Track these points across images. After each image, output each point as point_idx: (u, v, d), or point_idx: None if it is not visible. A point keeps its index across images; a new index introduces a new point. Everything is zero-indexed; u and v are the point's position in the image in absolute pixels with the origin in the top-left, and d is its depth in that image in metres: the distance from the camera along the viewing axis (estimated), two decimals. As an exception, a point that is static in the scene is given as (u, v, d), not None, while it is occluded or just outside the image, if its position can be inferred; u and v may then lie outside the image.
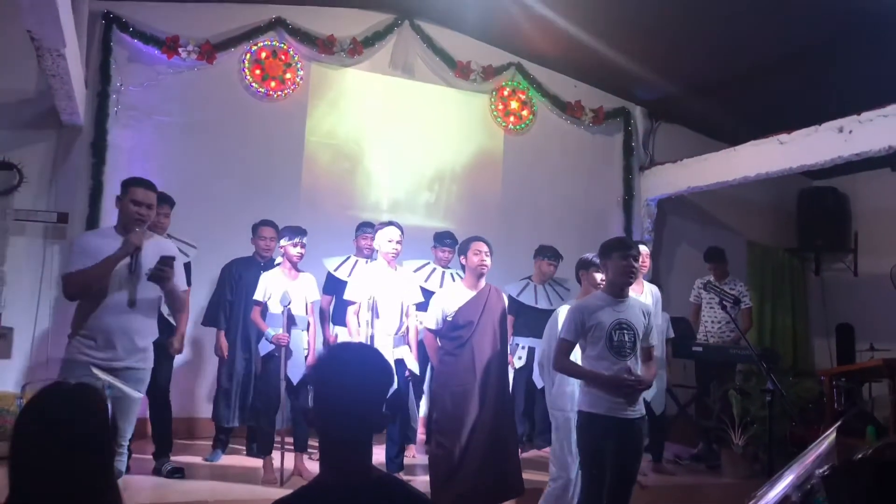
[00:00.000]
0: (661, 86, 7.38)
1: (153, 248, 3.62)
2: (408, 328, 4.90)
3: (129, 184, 3.63)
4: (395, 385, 4.70)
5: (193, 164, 6.24)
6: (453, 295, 4.55)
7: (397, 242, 4.86)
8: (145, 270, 3.51)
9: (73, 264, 3.45)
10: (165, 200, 4.82)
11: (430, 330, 4.59)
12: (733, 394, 5.89)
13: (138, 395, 3.22)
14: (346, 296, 4.83)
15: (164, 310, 4.74)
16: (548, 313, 5.05)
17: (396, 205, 6.97)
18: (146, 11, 6.18)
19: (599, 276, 4.23)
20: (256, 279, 5.09)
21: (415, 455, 5.65)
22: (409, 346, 4.91)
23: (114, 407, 3.27)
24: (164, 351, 4.76)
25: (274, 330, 4.78)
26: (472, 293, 4.51)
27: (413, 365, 4.86)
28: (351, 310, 4.82)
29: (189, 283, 4.93)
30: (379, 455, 4.90)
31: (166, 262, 3.49)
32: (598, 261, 4.21)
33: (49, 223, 5.62)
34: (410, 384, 5.15)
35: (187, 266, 4.90)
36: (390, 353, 4.74)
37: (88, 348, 3.43)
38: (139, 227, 3.55)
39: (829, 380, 6.09)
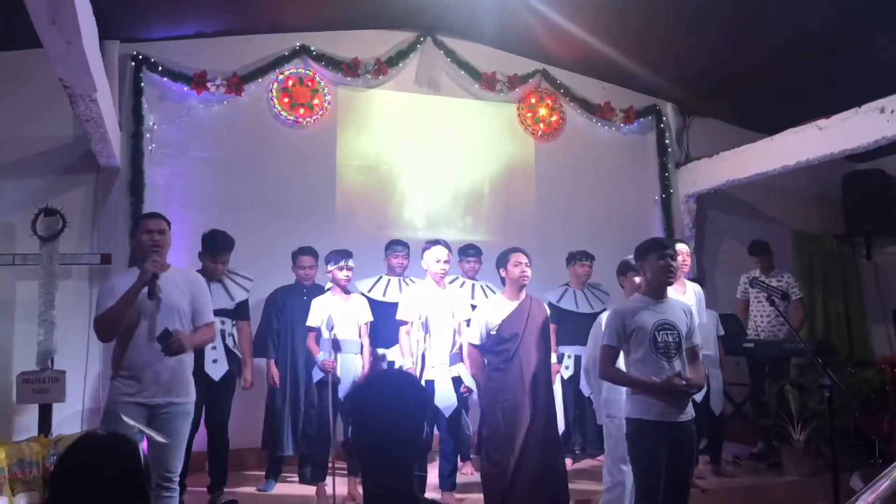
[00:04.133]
0: (690, 80, 7.27)
1: (179, 279, 3.63)
2: (461, 345, 4.86)
3: (140, 218, 3.75)
4: (455, 403, 4.71)
5: (229, 196, 6.32)
6: (496, 308, 4.51)
7: (445, 262, 4.84)
8: (167, 302, 3.50)
9: (101, 306, 3.47)
10: (224, 249, 4.96)
11: (473, 345, 4.55)
12: (790, 389, 5.73)
13: (163, 440, 3.21)
14: (399, 316, 4.84)
15: (230, 342, 4.87)
16: (591, 318, 4.98)
17: (432, 221, 6.96)
18: (173, 49, 6.30)
19: (638, 279, 4.16)
20: (301, 306, 5.14)
21: (472, 472, 5.59)
22: (465, 363, 4.84)
23: (158, 448, 3.31)
24: (226, 385, 4.84)
25: (324, 355, 4.82)
26: (515, 304, 4.47)
27: (469, 381, 4.80)
28: (403, 329, 4.82)
29: (248, 317, 5.12)
30: (433, 473, 4.89)
31: (166, 336, 3.40)
32: (634, 263, 4.16)
33: (93, 265, 5.74)
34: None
35: (245, 300, 5.08)
36: (447, 371, 4.73)
37: (129, 388, 3.43)
38: (155, 254, 3.53)
39: (890, 367, 5.88)
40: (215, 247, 4.94)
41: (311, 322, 4.97)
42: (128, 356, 3.46)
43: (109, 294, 3.46)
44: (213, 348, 4.70)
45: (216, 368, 4.75)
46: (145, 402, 3.42)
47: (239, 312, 5.03)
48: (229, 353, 4.87)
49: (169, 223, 3.68)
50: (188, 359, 3.63)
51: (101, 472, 1.66)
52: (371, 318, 5.11)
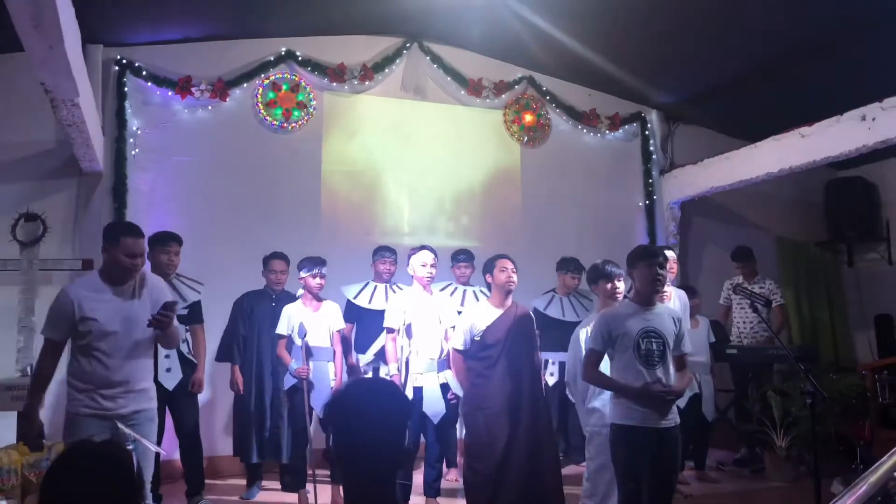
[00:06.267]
0: (675, 88, 7.31)
1: (153, 291, 3.53)
2: (449, 352, 4.84)
3: (120, 233, 3.43)
4: (444, 410, 4.70)
5: (213, 202, 6.29)
6: (481, 314, 4.50)
7: (431, 266, 4.84)
8: (135, 318, 3.40)
9: (50, 332, 3.41)
10: (174, 239, 4.85)
11: (457, 351, 4.53)
12: (772, 395, 5.76)
13: (161, 450, 3.18)
14: (385, 323, 4.83)
15: (184, 348, 4.81)
16: (575, 326, 4.98)
17: (417, 227, 6.94)
18: (157, 54, 6.26)
19: (609, 286, 4.18)
20: (269, 312, 5.09)
21: (457, 479, 5.57)
22: (452, 369, 4.82)
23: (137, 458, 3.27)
24: (187, 390, 4.79)
25: (296, 363, 4.77)
26: (500, 311, 4.47)
27: (457, 388, 4.76)
28: (389, 337, 4.80)
29: (201, 320, 5.02)
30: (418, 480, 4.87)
31: (170, 307, 3.38)
32: (606, 269, 4.18)
33: (75, 271, 5.67)
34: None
35: (198, 304, 4.97)
36: (435, 378, 4.71)
37: (92, 399, 3.33)
38: (132, 277, 3.45)
39: (871, 374, 5.92)
40: (165, 236, 4.81)
41: (280, 330, 4.90)
42: (95, 368, 3.35)
43: (60, 320, 3.37)
44: (167, 357, 4.65)
45: (170, 378, 4.67)
46: (111, 414, 3.31)
47: (193, 317, 4.92)
48: (184, 359, 4.78)
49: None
50: (150, 364, 3.57)
51: (93, 480, 1.64)
52: (343, 326, 5.06)
